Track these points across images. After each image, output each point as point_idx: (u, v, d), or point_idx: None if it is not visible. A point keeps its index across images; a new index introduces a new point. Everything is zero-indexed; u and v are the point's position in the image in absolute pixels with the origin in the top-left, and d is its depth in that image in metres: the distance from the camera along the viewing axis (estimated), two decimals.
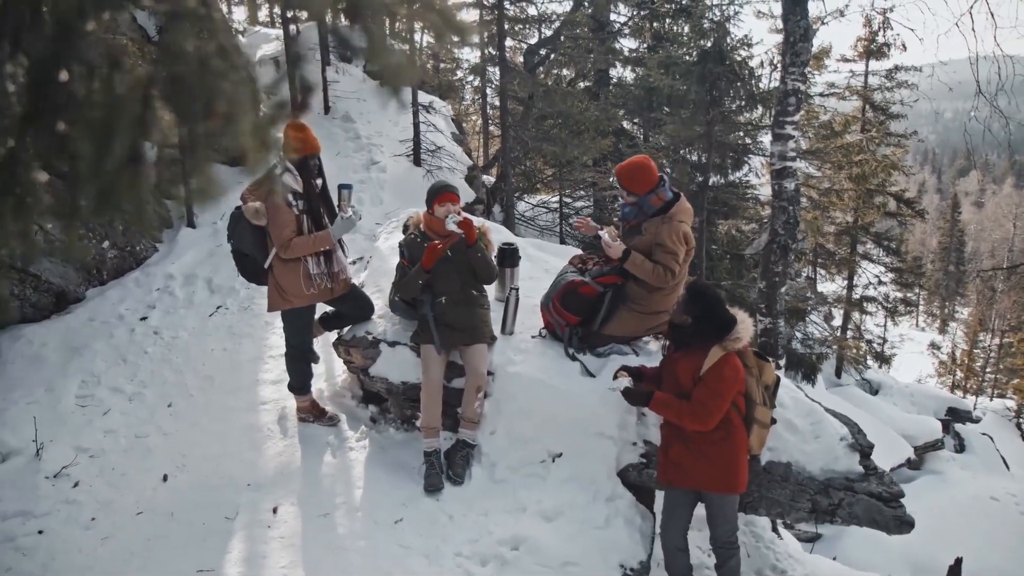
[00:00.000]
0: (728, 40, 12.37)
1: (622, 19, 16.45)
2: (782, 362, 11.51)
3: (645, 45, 16.14)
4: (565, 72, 17.09)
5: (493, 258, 4.99)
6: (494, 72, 13.44)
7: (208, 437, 5.21)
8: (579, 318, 4.82)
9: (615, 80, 16.59)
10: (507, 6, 12.84)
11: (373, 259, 6.13)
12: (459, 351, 4.82)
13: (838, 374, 17.66)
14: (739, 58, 11.82)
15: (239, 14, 16.86)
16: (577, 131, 12.51)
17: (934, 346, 32.32)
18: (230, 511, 4.44)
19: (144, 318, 6.53)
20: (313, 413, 5.20)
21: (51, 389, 5.63)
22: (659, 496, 4.76)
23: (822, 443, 4.56)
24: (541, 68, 15.90)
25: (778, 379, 4.35)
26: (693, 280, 4.22)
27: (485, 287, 5.02)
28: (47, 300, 6.39)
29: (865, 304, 19.12)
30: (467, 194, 10.03)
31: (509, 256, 5.26)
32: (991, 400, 25.78)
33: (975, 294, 39.24)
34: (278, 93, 0.96)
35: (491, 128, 17.10)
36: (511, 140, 12.47)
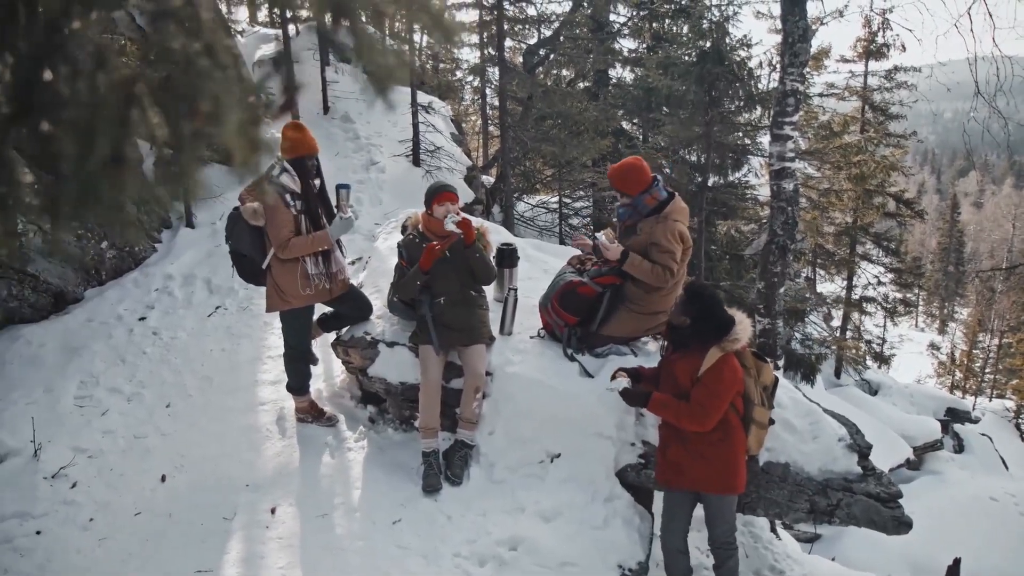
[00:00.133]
0: (727, 41, 12.36)
1: (621, 19, 16.46)
2: (781, 363, 11.50)
3: (644, 45, 16.15)
4: (564, 72, 17.09)
5: (492, 259, 4.99)
6: (493, 72, 13.43)
7: (206, 438, 5.20)
8: (578, 318, 4.82)
9: (614, 80, 16.59)
10: (506, 6, 12.84)
11: (372, 259, 6.12)
12: (457, 351, 4.82)
13: (837, 374, 17.66)
14: (738, 59, 11.81)
15: (240, 14, 16.85)
16: (576, 131, 12.51)
17: (933, 346, 32.33)
18: (228, 512, 4.44)
19: (143, 318, 6.53)
20: (311, 414, 5.20)
21: (49, 389, 5.63)
22: (657, 496, 4.76)
23: (820, 443, 4.56)
24: (540, 68, 15.90)
25: (776, 380, 4.35)
26: (691, 281, 4.21)
27: (484, 287, 5.02)
28: (45, 300, 6.39)
29: (864, 304, 19.12)
30: (466, 194, 10.03)
31: (508, 256, 5.26)
32: (990, 400, 25.80)
33: (974, 294, 39.24)
34: (265, 93, 0.96)
35: (491, 128, 17.10)
36: (510, 140, 12.47)
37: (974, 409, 19.86)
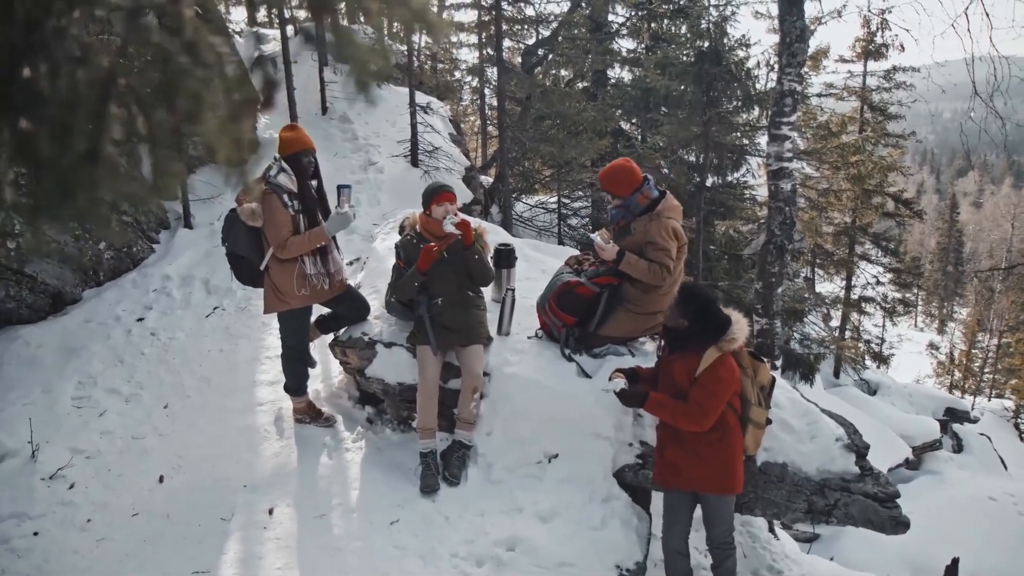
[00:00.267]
0: (725, 41, 12.37)
1: (620, 20, 16.46)
2: (778, 363, 11.51)
3: (643, 46, 16.15)
4: (563, 73, 17.10)
5: (490, 259, 4.99)
6: (492, 73, 13.44)
7: (205, 438, 5.20)
8: (575, 319, 4.82)
9: (613, 81, 16.60)
10: (505, 7, 12.83)
11: (370, 260, 6.12)
12: (455, 352, 4.82)
13: (836, 374, 17.67)
14: (736, 59, 11.82)
15: (239, 14, 16.85)
16: (575, 132, 12.51)
17: (932, 346, 32.35)
18: (226, 512, 4.43)
19: (141, 319, 6.53)
20: (309, 414, 5.20)
21: (47, 390, 5.63)
22: (656, 497, 4.76)
23: (818, 444, 4.57)
24: (539, 69, 15.90)
25: (773, 379, 4.35)
26: (684, 283, 4.21)
27: (482, 288, 5.02)
28: (43, 301, 6.38)
29: (863, 304, 19.13)
30: (464, 195, 10.03)
31: (505, 257, 5.26)
32: (989, 400, 25.82)
33: (973, 294, 39.27)
34: (246, 90, 0.96)
35: (489, 128, 17.10)
36: (508, 141, 12.47)
37: (973, 409, 19.89)
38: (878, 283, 19.18)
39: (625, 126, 16.39)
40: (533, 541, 4.18)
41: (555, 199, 15.25)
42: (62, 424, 5.31)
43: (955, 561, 8.07)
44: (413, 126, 10.24)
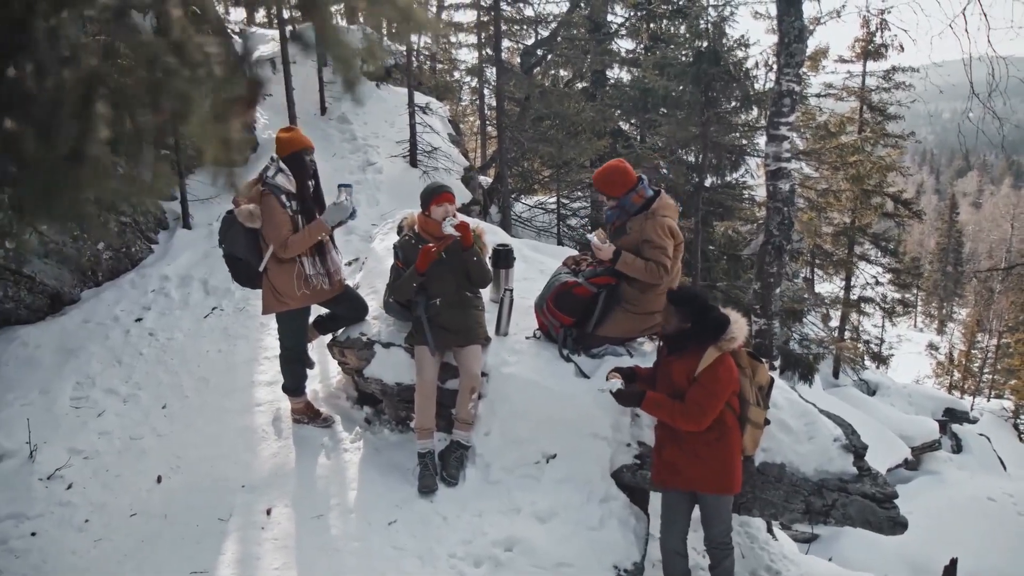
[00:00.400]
0: (724, 41, 12.38)
1: (619, 20, 16.47)
2: (776, 363, 11.51)
3: (642, 46, 16.15)
4: (562, 73, 17.11)
5: (488, 259, 4.99)
6: (491, 73, 13.45)
7: (203, 439, 5.20)
8: (573, 319, 4.82)
9: (612, 81, 16.60)
10: (504, 7, 12.83)
11: (368, 260, 6.12)
12: (453, 352, 4.82)
13: (836, 375, 17.67)
14: (735, 59, 11.83)
15: (237, 14, 16.85)
16: (573, 132, 12.51)
17: (932, 347, 32.37)
18: (224, 513, 4.43)
19: (139, 319, 6.53)
20: (308, 415, 5.20)
21: (45, 391, 5.63)
22: (654, 497, 4.76)
23: (816, 444, 4.57)
24: (538, 69, 15.91)
25: (772, 380, 4.36)
26: (674, 289, 4.20)
27: (480, 288, 5.02)
28: (42, 302, 6.38)
29: (862, 305, 19.14)
30: (463, 195, 10.03)
31: (504, 257, 5.25)
32: (988, 401, 25.84)
33: (973, 295, 39.27)
34: (232, 90, 0.95)
35: (489, 129, 17.10)
36: (507, 141, 12.47)
37: (972, 409, 19.90)
38: (877, 283, 19.18)
39: (624, 126, 16.40)
40: (531, 541, 4.18)
41: (554, 199, 15.24)
42: (60, 424, 5.31)
43: (954, 561, 8.07)
44: (412, 126, 10.24)
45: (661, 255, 4.55)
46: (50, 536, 4.39)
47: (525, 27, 15.12)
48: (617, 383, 4.22)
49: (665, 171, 13.39)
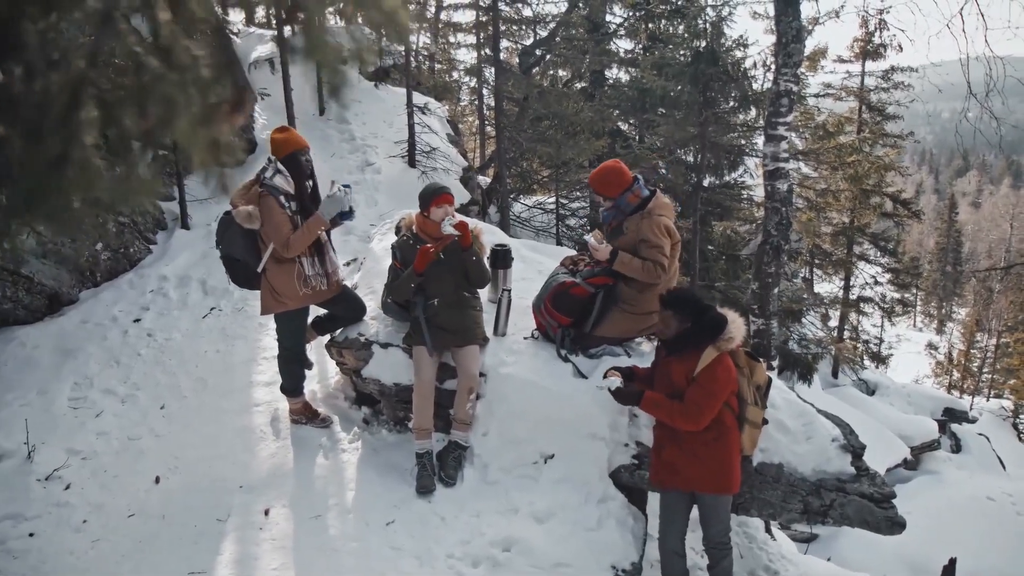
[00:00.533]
0: (723, 41, 12.38)
1: (617, 20, 16.47)
2: (775, 363, 11.51)
3: (640, 46, 16.15)
4: (561, 73, 17.11)
5: (486, 260, 4.99)
6: (490, 73, 13.45)
7: (201, 439, 5.20)
8: (571, 319, 4.82)
9: (610, 81, 16.61)
10: (502, 7, 12.84)
11: (366, 260, 6.12)
12: (451, 353, 4.82)
13: (835, 374, 17.69)
14: (733, 59, 11.83)
15: (236, 14, 16.82)
16: (572, 132, 12.51)
17: (931, 346, 32.37)
18: (222, 513, 4.43)
19: (137, 320, 6.52)
20: (306, 415, 5.20)
21: (43, 391, 5.62)
22: (651, 497, 4.76)
23: (814, 444, 4.57)
24: (536, 69, 15.91)
25: (769, 379, 4.36)
26: (667, 292, 4.20)
27: (478, 288, 5.02)
28: (40, 302, 6.37)
29: (862, 304, 19.15)
30: (462, 195, 10.04)
31: (501, 258, 5.25)
32: (987, 400, 25.84)
33: (972, 294, 39.27)
34: (219, 94, 0.95)
35: (488, 129, 17.10)
36: (506, 141, 12.47)
37: (971, 409, 19.91)
38: (876, 283, 19.20)
39: (623, 126, 16.40)
40: (529, 542, 4.17)
41: (553, 200, 15.25)
42: (58, 425, 5.31)
43: (952, 561, 8.08)
44: (410, 127, 10.24)
45: (658, 254, 4.55)
46: (48, 537, 4.39)
47: (524, 27, 15.13)
48: (616, 381, 4.22)
49: (664, 171, 13.40)
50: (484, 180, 14.47)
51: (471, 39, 16.84)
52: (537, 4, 14.43)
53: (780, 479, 4.49)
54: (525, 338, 5.05)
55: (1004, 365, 28.03)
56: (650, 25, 15.80)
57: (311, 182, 4.91)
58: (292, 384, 5.12)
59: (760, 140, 12.26)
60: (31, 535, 4.40)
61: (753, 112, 13.11)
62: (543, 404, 4.63)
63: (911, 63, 17.94)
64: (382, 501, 4.48)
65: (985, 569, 10.29)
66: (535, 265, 6.03)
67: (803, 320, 15.11)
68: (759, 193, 14.15)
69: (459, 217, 4.73)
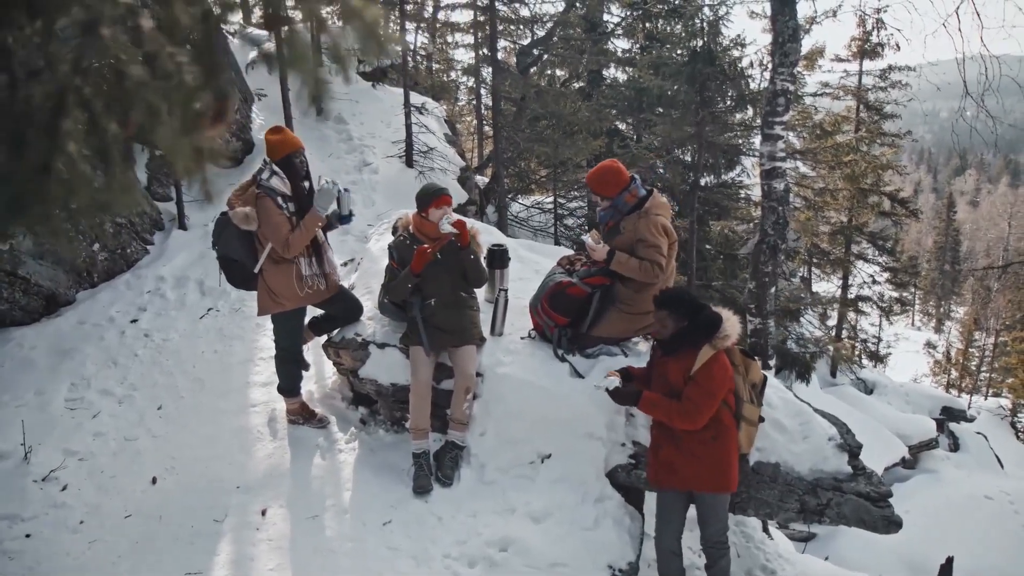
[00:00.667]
0: (720, 41, 12.38)
1: (615, 20, 16.47)
2: (772, 362, 11.52)
3: (638, 46, 16.15)
4: (559, 73, 17.11)
5: (483, 260, 4.99)
6: (488, 73, 13.44)
7: (198, 440, 5.20)
8: (568, 319, 4.83)
9: (608, 81, 16.61)
10: (500, 7, 12.84)
11: (364, 260, 6.12)
12: (448, 353, 4.82)
13: (833, 373, 17.70)
14: (730, 59, 11.84)
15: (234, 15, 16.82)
16: (570, 132, 12.52)
17: (930, 345, 32.40)
18: (219, 513, 4.43)
19: (135, 320, 6.51)
20: (303, 415, 5.20)
21: (40, 392, 5.61)
22: (648, 497, 4.76)
23: (811, 443, 4.57)
24: (534, 69, 15.91)
25: (765, 377, 4.37)
26: (660, 292, 4.20)
27: (475, 288, 5.02)
28: (37, 303, 6.37)
29: (860, 304, 19.16)
30: (459, 195, 10.03)
31: (498, 257, 5.25)
32: (986, 399, 25.84)
33: (970, 293, 39.33)
34: (202, 100, 0.95)
35: (485, 129, 17.10)
36: (504, 141, 12.47)
37: (969, 408, 19.92)
38: (874, 282, 19.22)
39: (620, 126, 16.41)
40: (526, 541, 4.18)
41: (551, 199, 15.25)
42: (55, 426, 5.30)
43: (949, 560, 8.08)
44: (408, 127, 10.23)
45: (655, 254, 4.56)
46: (44, 538, 4.38)
47: (521, 27, 15.12)
48: (615, 380, 4.22)
49: (662, 170, 13.40)
50: (482, 180, 14.47)
51: (468, 39, 16.85)
52: (534, 4, 14.44)
53: (777, 478, 4.50)
54: (522, 338, 5.05)
55: (1002, 364, 28.04)
56: (647, 25, 15.80)
57: (307, 183, 4.90)
58: (289, 384, 5.12)
59: (757, 139, 12.26)
60: (28, 536, 4.39)
61: (750, 111, 13.12)
62: (540, 404, 4.63)
63: (908, 62, 17.89)
64: (379, 501, 4.48)
65: (983, 568, 10.30)
66: (532, 265, 6.03)
67: (801, 319, 15.11)
68: (756, 192, 14.16)
69: (456, 216, 4.73)
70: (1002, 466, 16.45)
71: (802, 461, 4.53)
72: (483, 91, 14.96)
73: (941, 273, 46.34)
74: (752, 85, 12.89)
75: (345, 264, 6.49)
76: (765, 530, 6.08)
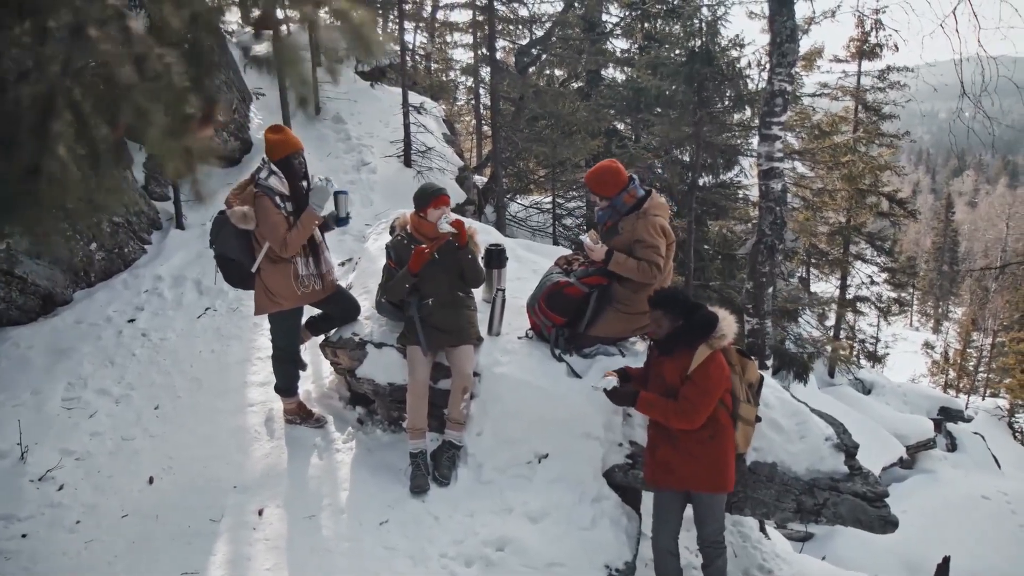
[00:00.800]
0: (719, 41, 12.39)
1: (614, 20, 16.48)
2: (769, 363, 11.52)
3: (636, 46, 16.16)
4: (557, 73, 17.11)
5: (480, 259, 4.99)
6: (487, 72, 13.45)
7: (195, 439, 5.19)
8: (565, 319, 4.83)
9: (606, 81, 16.62)
10: (498, 7, 12.84)
11: (361, 260, 6.12)
12: (445, 352, 4.82)
13: (831, 374, 17.70)
14: (728, 59, 11.84)
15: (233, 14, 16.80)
16: (568, 132, 12.52)
17: (928, 346, 32.42)
18: (216, 513, 4.43)
19: (132, 320, 6.51)
20: (300, 415, 5.20)
21: (37, 392, 5.60)
22: (645, 497, 4.76)
23: (807, 443, 4.57)
24: (533, 68, 15.91)
25: (761, 377, 4.37)
26: (654, 292, 4.20)
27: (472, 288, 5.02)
28: (34, 302, 6.36)
29: (858, 304, 19.17)
30: (457, 195, 10.03)
31: (496, 257, 5.25)
32: (983, 399, 25.86)
33: (968, 294, 39.38)
34: (192, 102, 0.95)
35: (484, 128, 17.10)
36: (502, 141, 12.47)
37: (967, 408, 19.93)
38: (872, 283, 19.23)
39: (619, 126, 16.41)
40: (523, 541, 4.18)
41: (550, 199, 15.24)
42: (52, 425, 5.29)
43: (946, 560, 8.08)
44: (406, 126, 10.23)
45: (653, 254, 4.56)
46: (41, 537, 4.37)
47: (520, 27, 15.11)
48: (613, 381, 4.22)
49: (660, 170, 13.40)
50: (480, 180, 14.47)
51: (467, 39, 16.84)
52: (533, 4, 14.48)
53: (774, 478, 4.50)
54: (519, 338, 5.05)
55: (1000, 364, 28.05)
56: (646, 25, 15.80)
57: (306, 183, 4.90)
58: (286, 384, 5.12)
59: (755, 140, 12.27)
60: (24, 536, 4.38)
61: (748, 112, 13.12)
62: (537, 404, 4.63)
63: (907, 63, 17.87)
64: (376, 501, 4.48)
65: (980, 568, 10.30)
66: (530, 265, 6.03)
67: (799, 319, 15.12)
68: (755, 193, 14.16)
69: (454, 216, 4.73)
70: (999, 466, 16.45)
71: (799, 461, 4.54)
72: (482, 91, 14.98)
73: (939, 274, 46.39)
74: (750, 85, 12.91)
75: (343, 264, 6.49)
76: (762, 530, 6.09)
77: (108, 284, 6.95)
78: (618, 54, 16.29)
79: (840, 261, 18.45)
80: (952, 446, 16.92)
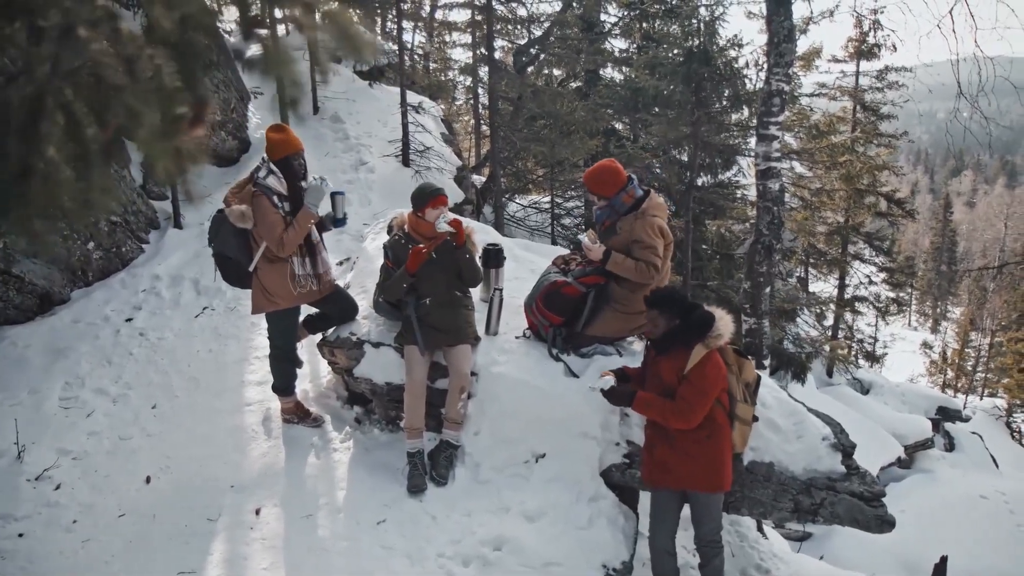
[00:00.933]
0: (717, 41, 12.39)
1: (612, 19, 16.49)
2: (767, 363, 11.53)
3: (635, 46, 16.17)
4: (556, 72, 17.12)
5: (478, 259, 4.99)
6: (485, 72, 13.45)
7: (192, 439, 5.19)
8: (562, 319, 4.83)
9: (605, 80, 16.62)
10: (497, 6, 12.84)
11: (359, 260, 6.12)
12: (443, 352, 4.82)
13: (829, 373, 17.71)
14: (726, 59, 11.85)
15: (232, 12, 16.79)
16: (567, 131, 12.52)
17: (926, 345, 32.43)
18: (213, 513, 4.43)
19: (130, 319, 6.51)
20: (297, 414, 5.19)
21: (34, 391, 5.60)
22: (643, 496, 4.76)
23: (804, 443, 4.58)
24: (531, 68, 15.91)
25: (758, 377, 4.37)
26: (650, 292, 4.20)
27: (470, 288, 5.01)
28: (31, 302, 6.35)
29: (856, 304, 19.17)
30: (456, 195, 10.03)
31: (493, 257, 5.24)
32: (981, 399, 25.88)
33: (966, 294, 39.42)
34: (182, 103, 0.94)
35: (483, 128, 17.10)
36: (501, 141, 12.47)
37: (965, 408, 19.95)
38: (871, 282, 19.23)
39: (617, 126, 16.42)
40: (520, 541, 4.18)
41: (548, 199, 15.24)
42: (49, 425, 5.29)
43: (944, 559, 8.09)
44: (404, 126, 10.23)
45: (651, 255, 4.56)
46: (38, 537, 4.38)
47: (518, 26, 15.12)
48: (610, 380, 4.22)
49: (658, 170, 13.40)
50: (479, 179, 14.47)
51: (466, 38, 16.84)
52: (532, 3, 14.50)
53: (771, 478, 4.50)
54: (517, 337, 5.05)
55: (998, 364, 28.07)
56: (644, 24, 15.81)
57: (304, 183, 4.90)
58: (283, 383, 5.12)
59: (753, 140, 12.27)
60: (21, 535, 4.39)
61: (746, 112, 13.12)
62: (535, 403, 4.63)
63: (905, 63, 17.87)
64: (373, 500, 4.48)
65: (978, 567, 10.32)
66: (527, 264, 6.03)
67: (797, 319, 15.13)
68: (753, 192, 14.16)
69: (452, 216, 4.73)
70: (997, 466, 16.46)
71: (796, 461, 4.54)
72: (480, 90, 14.98)
73: (937, 273, 46.43)
74: (748, 85, 12.91)
75: (341, 263, 6.49)
76: (760, 529, 6.10)
77: (106, 283, 6.95)
78: (616, 54, 16.30)
79: (838, 261, 18.46)
80: (950, 446, 16.94)
